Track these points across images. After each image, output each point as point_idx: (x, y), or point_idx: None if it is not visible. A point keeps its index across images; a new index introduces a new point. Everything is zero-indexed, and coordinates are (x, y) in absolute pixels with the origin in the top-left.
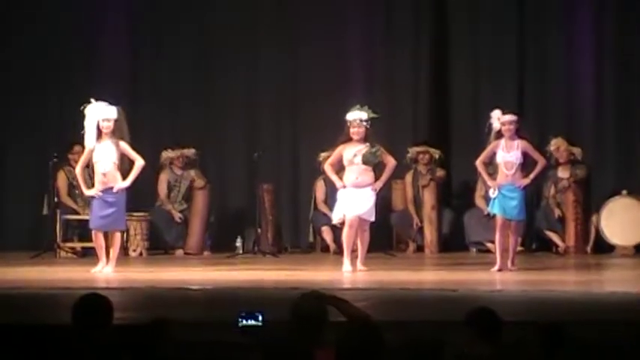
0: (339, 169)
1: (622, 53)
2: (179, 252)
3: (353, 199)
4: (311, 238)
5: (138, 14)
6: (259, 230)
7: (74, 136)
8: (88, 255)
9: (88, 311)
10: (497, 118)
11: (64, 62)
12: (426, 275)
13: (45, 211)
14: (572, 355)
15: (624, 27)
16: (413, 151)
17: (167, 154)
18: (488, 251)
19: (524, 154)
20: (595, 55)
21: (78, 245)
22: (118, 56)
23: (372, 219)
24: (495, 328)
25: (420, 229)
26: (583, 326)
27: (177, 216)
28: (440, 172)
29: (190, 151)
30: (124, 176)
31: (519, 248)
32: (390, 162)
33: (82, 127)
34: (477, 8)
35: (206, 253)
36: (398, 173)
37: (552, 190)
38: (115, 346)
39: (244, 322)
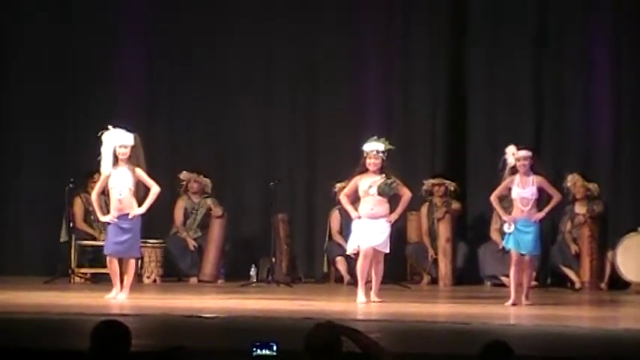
0: (355, 199)
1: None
2: (193, 280)
3: (368, 230)
4: (325, 269)
5: (155, 41)
6: (274, 259)
7: (91, 162)
8: (102, 281)
9: (107, 337)
10: (512, 154)
11: (81, 88)
12: (440, 308)
13: (63, 238)
14: None
15: None
16: (428, 183)
17: (185, 176)
18: (503, 285)
19: (540, 190)
20: (613, 91)
21: (91, 271)
22: (136, 83)
23: (387, 250)
24: None
25: (435, 262)
26: None
27: (192, 244)
28: (455, 205)
29: (205, 180)
30: (140, 203)
31: (534, 283)
32: (406, 194)
33: (99, 154)
34: (495, 42)
35: (220, 281)
36: (413, 205)
37: (569, 226)
38: None
39: (258, 351)
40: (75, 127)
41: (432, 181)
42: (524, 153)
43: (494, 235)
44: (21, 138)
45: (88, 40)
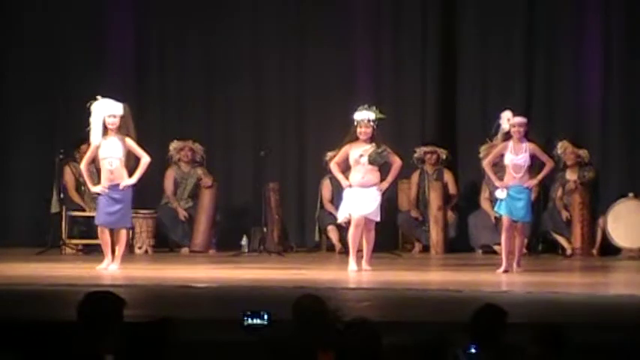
0: (346, 168)
1: (629, 57)
2: (185, 250)
3: (359, 198)
4: (317, 238)
5: (144, 11)
6: (265, 229)
7: (80, 133)
8: (93, 252)
9: (99, 307)
10: (507, 119)
11: (71, 59)
12: (432, 276)
13: (54, 209)
14: (574, 358)
15: (632, 31)
16: (420, 151)
17: (174, 145)
18: (494, 253)
19: (532, 157)
20: (603, 59)
21: (82, 242)
22: (125, 54)
23: (378, 219)
24: (501, 325)
25: (423, 225)
26: (587, 329)
27: (183, 214)
28: (447, 174)
29: (198, 147)
30: (130, 173)
31: (525, 250)
32: (396, 162)
33: (88, 124)
34: (487, 12)
35: (212, 251)
36: (404, 173)
37: (560, 192)
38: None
39: (250, 320)
40: (64, 98)
41: (424, 148)
42: (519, 119)
43: (485, 204)
44: (10, 111)
45: (77, 10)
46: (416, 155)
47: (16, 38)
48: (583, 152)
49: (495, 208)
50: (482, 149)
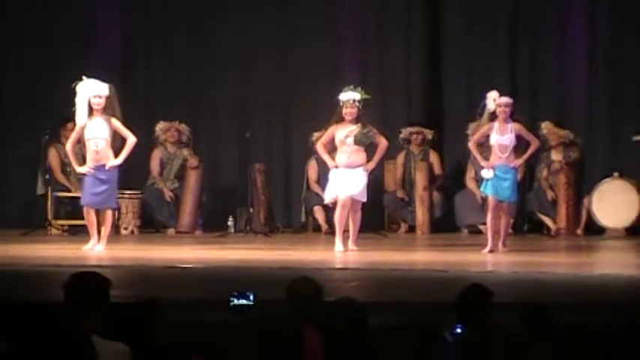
0: (332, 149)
1: (614, 37)
2: (171, 231)
3: (345, 179)
4: (303, 218)
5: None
6: (251, 210)
7: (66, 113)
8: (79, 233)
9: (85, 287)
10: (493, 99)
11: (56, 39)
12: (418, 256)
13: (40, 191)
14: (559, 337)
15: (616, 11)
16: (406, 131)
17: (160, 126)
18: (480, 232)
19: (518, 137)
20: (586, 39)
21: (68, 223)
22: (110, 33)
23: (364, 199)
24: (487, 305)
25: (408, 205)
26: (573, 308)
27: (169, 194)
28: (433, 155)
29: (184, 127)
30: (116, 154)
31: (510, 230)
32: (382, 143)
33: (74, 105)
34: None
35: (198, 232)
36: (390, 154)
37: (545, 173)
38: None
39: (236, 301)
40: (49, 78)
41: (409, 129)
42: (505, 100)
43: (471, 183)
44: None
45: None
46: (402, 136)
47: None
48: (565, 132)
49: (482, 188)
50: (472, 127)
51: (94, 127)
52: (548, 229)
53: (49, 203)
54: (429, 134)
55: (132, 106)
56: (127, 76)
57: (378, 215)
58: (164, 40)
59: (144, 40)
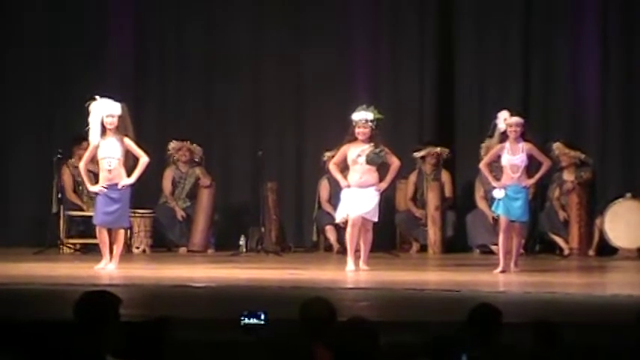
0: (344, 168)
1: (627, 57)
2: (182, 249)
3: (356, 198)
4: (315, 238)
5: (143, 11)
6: (263, 229)
7: (79, 130)
8: (91, 251)
9: (95, 306)
10: (504, 119)
11: (69, 58)
12: (429, 276)
13: (54, 210)
14: (571, 358)
15: (630, 30)
16: (421, 151)
17: (173, 145)
18: (492, 253)
19: (529, 157)
20: (600, 58)
21: (80, 241)
22: (124, 53)
23: (376, 219)
24: (497, 325)
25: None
26: (585, 329)
27: (180, 214)
28: (445, 175)
29: (196, 148)
30: (129, 173)
31: (522, 251)
32: (395, 162)
33: (87, 124)
34: (484, 11)
35: (210, 251)
36: (402, 173)
37: (557, 193)
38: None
39: (247, 320)
40: (63, 98)
41: (426, 149)
42: (516, 119)
43: (481, 203)
44: (8, 109)
45: (76, 10)
46: (417, 154)
47: (16, 38)
48: (575, 153)
49: (493, 208)
50: (484, 146)
51: (107, 146)
52: (561, 249)
53: (61, 222)
54: (444, 153)
55: (144, 123)
56: (138, 95)
57: (389, 235)
58: (175, 57)
59: (158, 65)
